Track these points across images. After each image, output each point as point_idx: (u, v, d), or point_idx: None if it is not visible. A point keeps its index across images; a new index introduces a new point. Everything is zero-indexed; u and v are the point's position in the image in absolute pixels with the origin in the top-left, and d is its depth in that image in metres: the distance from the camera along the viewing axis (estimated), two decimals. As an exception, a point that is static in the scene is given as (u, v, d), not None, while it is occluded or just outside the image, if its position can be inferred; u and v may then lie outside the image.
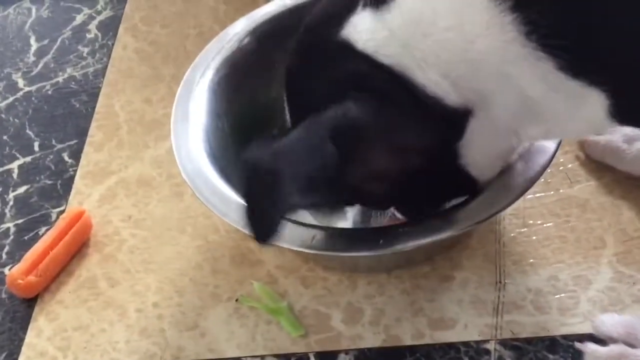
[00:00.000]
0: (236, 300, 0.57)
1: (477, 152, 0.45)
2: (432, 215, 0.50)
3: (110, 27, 0.87)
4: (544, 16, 0.38)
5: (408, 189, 0.46)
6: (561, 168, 0.62)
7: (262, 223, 0.41)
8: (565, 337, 0.51)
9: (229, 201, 0.52)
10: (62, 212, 0.66)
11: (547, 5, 0.38)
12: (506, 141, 0.45)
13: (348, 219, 0.61)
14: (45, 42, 0.86)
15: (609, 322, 0.50)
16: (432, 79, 0.40)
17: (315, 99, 0.43)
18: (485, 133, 0.43)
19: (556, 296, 0.54)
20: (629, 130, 0.59)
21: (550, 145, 0.53)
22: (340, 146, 0.39)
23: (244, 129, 0.60)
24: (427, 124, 0.42)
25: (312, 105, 0.42)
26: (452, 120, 0.42)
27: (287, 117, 0.50)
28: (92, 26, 0.88)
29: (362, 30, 0.41)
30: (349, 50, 0.41)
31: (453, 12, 0.39)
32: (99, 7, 0.90)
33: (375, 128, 0.40)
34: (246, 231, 0.50)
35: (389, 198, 0.49)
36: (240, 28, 0.63)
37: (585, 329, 0.51)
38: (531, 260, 0.56)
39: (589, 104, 0.40)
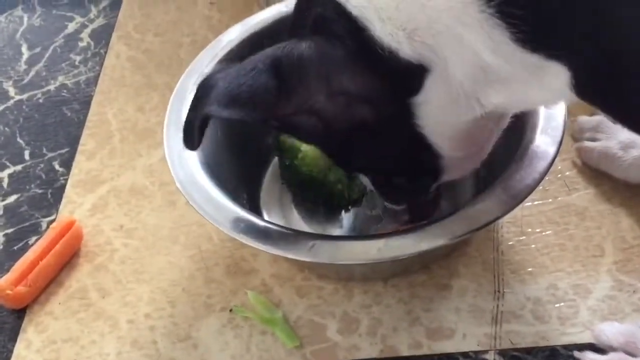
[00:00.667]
0: (230, 310, 0.56)
1: (435, 114, 0.44)
2: (427, 223, 0.50)
3: (102, 35, 0.86)
4: None
5: (366, 145, 0.46)
6: (559, 175, 0.61)
7: (185, 129, 0.45)
8: (565, 346, 0.51)
9: (222, 209, 0.51)
10: (52, 221, 0.65)
11: None
12: (467, 107, 0.43)
13: (343, 226, 0.60)
14: (37, 50, 0.86)
15: (609, 331, 0.49)
16: (387, 31, 0.41)
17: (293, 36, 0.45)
18: (442, 93, 0.42)
19: (556, 305, 0.53)
20: (624, 137, 0.59)
21: (549, 150, 0.52)
22: (282, 76, 0.41)
23: (236, 135, 0.59)
24: (375, 75, 0.42)
25: None
26: (406, 75, 0.42)
27: None
28: (85, 34, 0.87)
29: None
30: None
31: None
32: (91, 15, 0.90)
33: (318, 67, 0.42)
34: (241, 239, 0.50)
35: (338, 147, 0.48)
36: (234, 35, 0.63)
37: (585, 338, 0.50)
38: (530, 269, 0.55)
39: (550, 75, 0.40)
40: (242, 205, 0.53)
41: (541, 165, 0.51)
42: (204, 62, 0.61)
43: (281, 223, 0.59)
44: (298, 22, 0.46)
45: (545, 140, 0.53)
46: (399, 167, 0.49)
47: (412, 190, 0.51)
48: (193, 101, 0.43)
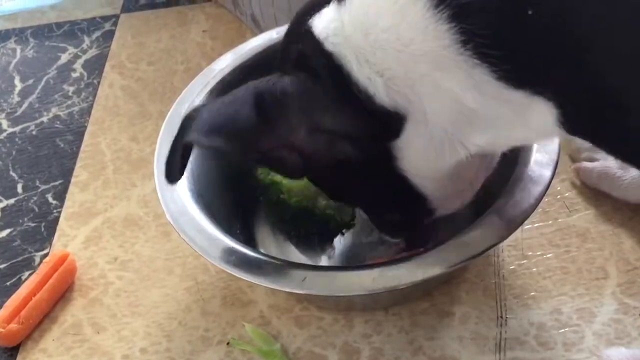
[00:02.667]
0: (227, 343, 0.55)
1: (417, 158, 0.44)
2: (423, 251, 0.48)
3: (96, 65, 0.86)
4: (482, 27, 0.37)
5: (351, 182, 0.46)
6: (558, 197, 0.60)
7: (167, 162, 0.45)
8: (571, 373, 0.49)
9: (214, 241, 0.50)
10: (45, 255, 0.64)
11: (484, 16, 0.37)
12: (451, 152, 0.43)
13: (339, 254, 0.59)
14: (30, 82, 0.85)
15: (616, 356, 0.48)
16: (365, 75, 0.41)
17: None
18: (423, 139, 0.42)
19: (560, 331, 0.52)
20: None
21: (545, 173, 0.51)
22: (264, 110, 0.42)
23: (229, 166, 0.59)
24: (355, 115, 0.42)
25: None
26: (383, 120, 0.42)
27: None
28: (78, 65, 0.87)
29: (324, 19, 0.43)
30: (308, 34, 0.43)
31: (393, 14, 0.40)
32: (84, 45, 0.89)
33: (299, 103, 0.42)
34: (232, 272, 0.49)
35: (323, 182, 0.49)
36: (225, 63, 0.62)
37: (592, 364, 0.49)
38: (532, 293, 0.54)
39: (535, 113, 0.39)
40: (235, 236, 0.52)
41: (537, 188, 0.50)
42: (195, 91, 0.61)
43: (276, 253, 0.58)
44: (284, 55, 0.46)
45: (540, 162, 0.52)
46: (386, 204, 0.49)
47: (406, 223, 0.51)
48: (177, 133, 0.43)
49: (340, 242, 0.60)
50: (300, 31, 0.44)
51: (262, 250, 0.57)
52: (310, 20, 0.43)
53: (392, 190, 0.46)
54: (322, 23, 0.43)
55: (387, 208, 0.49)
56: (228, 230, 0.52)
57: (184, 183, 0.54)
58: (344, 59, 0.41)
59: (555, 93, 0.38)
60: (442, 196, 0.47)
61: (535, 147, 0.53)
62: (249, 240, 0.59)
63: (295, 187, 0.58)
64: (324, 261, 0.59)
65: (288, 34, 0.47)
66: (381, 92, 0.41)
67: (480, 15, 0.37)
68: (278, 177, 0.58)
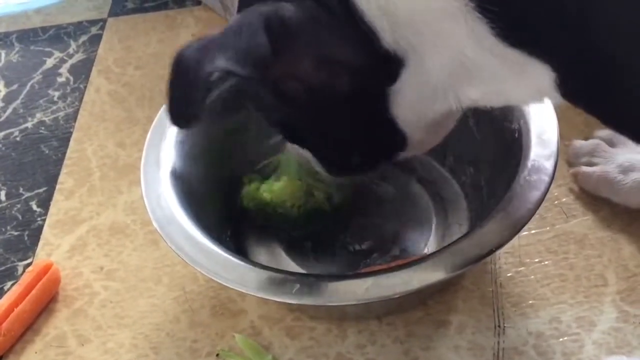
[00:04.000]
0: (217, 355, 0.53)
1: (409, 106, 0.43)
2: (421, 258, 0.47)
3: (82, 70, 0.84)
4: None
5: (334, 118, 0.45)
6: (556, 202, 0.59)
7: (173, 101, 0.40)
8: (572, 384, 0.48)
9: (202, 249, 0.49)
10: (29, 265, 0.62)
11: None
12: (443, 101, 0.43)
13: (333, 261, 0.58)
14: (14, 87, 0.83)
15: (617, 366, 0.47)
16: (373, 10, 0.40)
17: None
18: (418, 88, 0.42)
19: (559, 340, 0.50)
20: (623, 160, 0.57)
21: (543, 179, 0.50)
22: (270, 39, 0.39)
23: (219, 170, 0.57)
24: (358, 48, 0.41)
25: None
26: (383, 61, 0.41)
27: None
28: (64, 69, 0.85)
29: None
30: None
31: None
32: (70, 50, 0.88)
33: (305, 32, 0.40)
34: (222, 281, 0.47)
35: (311, 117, 0.46)
36: None
37: (592, 374, 0.48)
38: (530, 302, 0.53)
39: (532, 73, 0.39)
40: (224, 244, 0.50)
41: (535, 194, 0.49)
42: None
43: (267, 260, 0.56)
44: None
45: (538, 167, 0.51)
46: (361, 143, 0.47)
47: (362, 165, 0.50)
48: (175, 74, 0.39)
49: (333, 249, 0.58)
50: None
51: (251, 259, 0.56)
52: None
53: (374, 129, 0.46)
54: None
55: (359, 146, 0.48)
56: (217, 239, 0.50)
57: (170, 189, 0.52)
58: None
59: (552, 55, 0.38)
60: (419, 139, 0.47)
61: (531, 156, 0.51)
62: (240, 248, 0.57)
63: (286, 196, 0.56)
64: (316, 269, 0.57)
65: None
66: (386, 32, 0.40)
67: None
68: (267, 197, 0.56)
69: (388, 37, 0.40)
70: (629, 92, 0.38)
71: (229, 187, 0.59)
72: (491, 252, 0.46)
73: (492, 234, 0.47)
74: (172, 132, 0.56)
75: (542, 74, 0.39)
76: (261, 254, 0.58)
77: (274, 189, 0.57)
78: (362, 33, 0.40)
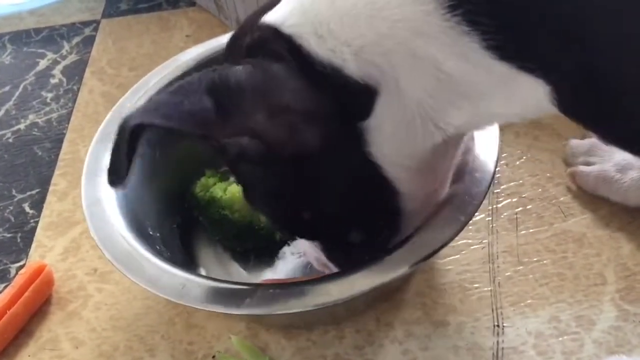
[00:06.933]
0: (213, 357, 0.52)
1: (389, 140, 0.40)
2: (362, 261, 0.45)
3: (75, 72, 0.83)
4: None
5: (315, 183, 0.42)
6: (553, 201, 0.59)
7: (111, 161, 0.39)
8: (572, 383, 0.48)
9: (149, 265, 0.47)
10: (21, 267, 0.61)
11: None
12: (426, 132, 0.40)
13: (279, 271, 0.57)
14: (7, 88, 0.82)
15: (618, 364, 0.46)
16: (328, 47, 0.38)
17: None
18: (396, 117, 0.39)
19: (559, 339, 0.50)
20: (620, 158, 0.57)
21: (488, 167, 0.48)
22: (217, 97, 0.38)
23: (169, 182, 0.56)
24: (320, 93, 0.39)
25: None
26: (354, 95, 0.38)
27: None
28: (57, 71, 0.84)
29: (279, 9, 0.41)
30: (262, 26, 0.41)
31: None
32: (64, 51, 0.87)
33: (256, 86, 0.39)
34: (160, 293, 0.46)
35: (290, 186, 0.43)
36: (190, 56, 0.60)
37: (593, 373, 0.48)
38: (529, 301, 0.52)
39: (524, 88, 0.37)
40: (175, 256, 0.51)
41: (479, 188, 0.47)
42: (152, 80, 0.58)
43: (219, 272, 0.56)
44: (232, 50, 0.43)
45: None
46: (353, 211, 0.44)
47: (368, 246, 0.46)
48: (117, 134, 0.38)
49: (285, 255, 0.58)
50: (251, 28, 0.42)
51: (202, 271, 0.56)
52: (262, 17, 0.41)
53: (359, 186, 0.42)
54: (277, 12, 0.41)
55: (353, 217, 0.44)
56: (165, 255, 0.50)
57: (115, 206, 0.51)
58: (301, 37, 0.39)
59: (547, 69, 0.36)
60: (415, 191, 0.43)
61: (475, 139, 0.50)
62: (191, 261, 0.57)
63: (237, 202, 0.55)
64: (268, 276, 0.56)
65: (235, 34, 0.44)
66: (350, 63, 0.38)
67: None
68: (218, 193, 0.56)
69: (352, 67, 0.38)
70: (629, 108, 0.36)
71: (176, 202, 0.58)
72: (445, 244, 0.44)
73: (438, 230, 0.45)
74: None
75: (534, 89, 0.37)
76: (213, 266, 0.57)
77: (228, 190, 0.56)
78: (321, 73, 0.38)
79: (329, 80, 0.38)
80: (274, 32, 0.40)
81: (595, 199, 0.58)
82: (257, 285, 0.47)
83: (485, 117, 0.41)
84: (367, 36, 0.37)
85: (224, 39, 0.60)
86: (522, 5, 0.35)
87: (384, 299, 0.53)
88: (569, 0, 0.34)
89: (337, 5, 0.38)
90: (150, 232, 0.53)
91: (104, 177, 0.52)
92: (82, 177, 0.53)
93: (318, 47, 0.38)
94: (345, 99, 0.39)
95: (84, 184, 0.53)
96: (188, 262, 0.56)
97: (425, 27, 0.36)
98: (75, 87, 0.81)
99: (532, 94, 0.37)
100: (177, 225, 0.58)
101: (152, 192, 0.56)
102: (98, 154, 0.55)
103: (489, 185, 0.47)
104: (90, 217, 0.50)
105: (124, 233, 0.49)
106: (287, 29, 0.39)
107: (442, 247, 0.44)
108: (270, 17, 0.41)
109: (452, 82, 0.38)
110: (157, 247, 0.52)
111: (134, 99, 0.57)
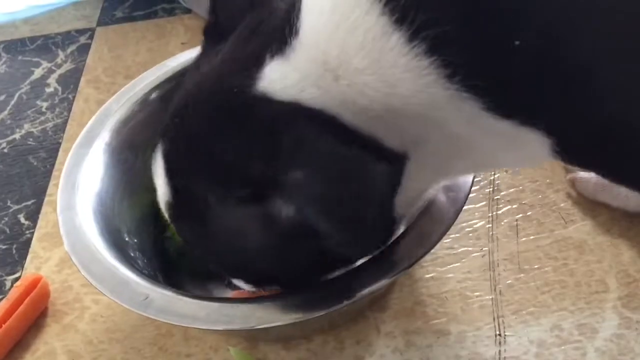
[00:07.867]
0: (211, 369, 0.52)
1: (404, 194, 0.42)
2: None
3: (71, 80, 0.83)
4: (463, 57, 0.35)
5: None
6: (554, 208, 0.58)
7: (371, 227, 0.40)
8: (575, 393, 0.47)
9: (124, 281, 0.47)
10: (17, 279, 0.60)
11: (465, 46, 0.35)
12: (432, 181, 0.44)
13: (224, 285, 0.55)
14: (2, 98, 0.82)
15: (622, 374, 0.46)
16: (362, 119, 0.37)
17: (225, 161, 0.39)
18: (416, 176, 0.41)
19: (561, 347, 0.49)
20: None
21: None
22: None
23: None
24: (374, 169, 0.38)
25: (217, 169, 0.39)
26: (389, 164, 0.39)
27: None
28: (52, 80, 0.83)
29: (276, 79, 0.38)
30: (268, 101, 0.38)
31: (366, 53, 0.36)
32: (59, 60, 0.86)
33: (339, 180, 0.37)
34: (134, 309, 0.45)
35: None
36: (178, 62, 0.61)
37: (596, 382, 0.47)
38: (531, 309, 0.52)
39: (527, 142, 0.38)
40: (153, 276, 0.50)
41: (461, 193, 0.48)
42: (138, 85, 0.59)
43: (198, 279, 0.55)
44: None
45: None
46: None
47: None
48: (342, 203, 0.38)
49: None
50: (242, 104, 0.38)
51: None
52: (253, 89, 0.38)
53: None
54: (277, 84, 0.37)
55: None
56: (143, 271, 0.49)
57: (92, 221, 0.50)
58: (331, 109, 0.37)
59: (548, 123, 0.37)
60: (406, 215, 0.45)
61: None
62: (169, 269, 0.56)
63: None
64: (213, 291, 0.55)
65: (202, 114, 0.40)
66: (390, 133, 0.38)
67: (461, 46, 0.35)
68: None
69: (393, 138, 0.38)
70: (632, 151, 0.37)
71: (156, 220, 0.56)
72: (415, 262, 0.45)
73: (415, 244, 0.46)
74: (95, 155, 0.55)
75: (535, 141, 0.38)
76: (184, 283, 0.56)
77: None
78: (369, 150, 0.37)
79: (373, 155, 0.38)
80: (294, 109, 0.37)
81: (595, 205, 0.57)
82: (223, 300, 0.47)
83: (487, 166, 0.45)
84: (400, 112, 0.38)
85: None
86: (518, 65, 0.35)
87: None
88: (570, 56, 0.34)
89: (344, 83, 0.37)
90: (127, 239, 0.53)
91: (81, 181, 0.52)
92: (60, 179, 0.53)
93: (353, 119, 0.37)
94: (385, 172, 0.39)
95: (60, 187, 0.52)
96: (165, 269, 0.55)
97: (432, 99, 0.37)
98: (70, 96, 0.80)
99: (533, 146, 0.38)
100: (155, 232, 0.57)
101: (132, 198, 0.55)
102: (78, 159, 0.54)
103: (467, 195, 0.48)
104: (64, 221, 0.50)
105: (94, 239, 0.49)
106: (309, 102, 0.37)
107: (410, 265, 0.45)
108: (276, 90, 0.38)
109: (463, 143, 0.39)
110: (132, 254, 0.51)
111: (118, 104, 0.57)
